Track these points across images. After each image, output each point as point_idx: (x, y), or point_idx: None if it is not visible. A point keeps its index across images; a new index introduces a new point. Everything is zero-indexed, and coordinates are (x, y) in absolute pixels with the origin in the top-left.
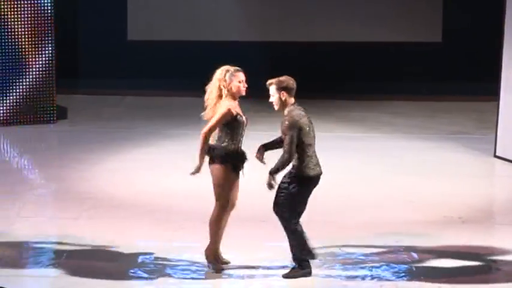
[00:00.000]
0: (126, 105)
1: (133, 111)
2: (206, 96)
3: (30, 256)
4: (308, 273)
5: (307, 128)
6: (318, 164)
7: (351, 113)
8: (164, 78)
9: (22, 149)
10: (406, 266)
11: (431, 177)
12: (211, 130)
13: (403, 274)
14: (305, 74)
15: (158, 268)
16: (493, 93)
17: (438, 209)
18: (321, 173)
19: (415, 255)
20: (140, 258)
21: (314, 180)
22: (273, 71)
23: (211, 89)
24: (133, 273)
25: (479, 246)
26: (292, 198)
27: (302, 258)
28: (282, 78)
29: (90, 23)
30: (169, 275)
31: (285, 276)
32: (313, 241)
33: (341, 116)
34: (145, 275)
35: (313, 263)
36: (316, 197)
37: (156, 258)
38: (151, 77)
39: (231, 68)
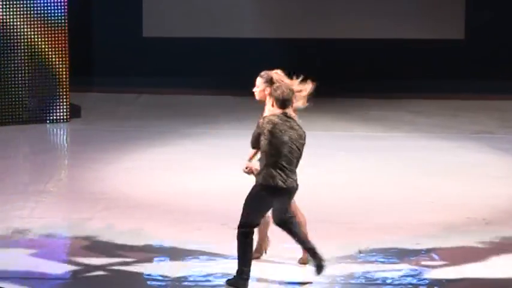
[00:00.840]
0: (141, 103)
1: (149, 109)
2: None
3: (42, 257)
4: None
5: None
6: (277, 176)
7: (370, 112)
8: (180, 75)
9: (35, 148)
10: (427, 269)
11: (453, 178)
12: None
13: (424, 278)
14: (324, 72)
15: (173, 270)
16: None
17: (461, 210)
18: (278, 186)
19: (436, 258)
20: (155, 260)
21: (268, 191)
22: (290, 68)
23: None
24: (148, 275)
25: (504, 248)
26: (245, 202)
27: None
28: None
29: (105, 19)
30: (185, 278)
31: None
32: (332, 243)
33: (360, 115)
34: (160, 278)
35: (331, 265)
36: (335, 198)
37: (172, 260)
38: (167, 75)
39: None
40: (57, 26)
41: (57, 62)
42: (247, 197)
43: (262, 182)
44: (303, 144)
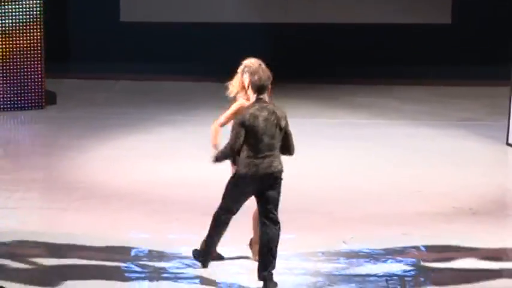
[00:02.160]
0: (119, 90)
1: (127, 96)
2: None
3: (16, 249)
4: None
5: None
6: (255, 164)
7: (357, 98)
8: (159, 61)
9: (9, 136)
10: (413, 259)
11: (440, 166)
12: None
13: (410, 268)
14: (308, 58)
15: (152, 261)
16: (505, 77)
17: (447, 199)
18: (258, 174)
19: (423, 248)
20: (133, 252)
21: (246, 180)
22: (274, 54)
23: None
24: (126, 267)
25: (491, 238)
26: (226, 188)
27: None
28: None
29: (81, 3)
30: (163, 269)
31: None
32: (317, 234)
33: (346, 102)
34: (138, 269)
35: (315, 256)
36: (318, 187)
37: (150, 251)
38: (146, 61)
39: None
40: (32, 10)
41: (31, 47)
42: (228, 185)
43: (246, 171)
44: (286, 124)
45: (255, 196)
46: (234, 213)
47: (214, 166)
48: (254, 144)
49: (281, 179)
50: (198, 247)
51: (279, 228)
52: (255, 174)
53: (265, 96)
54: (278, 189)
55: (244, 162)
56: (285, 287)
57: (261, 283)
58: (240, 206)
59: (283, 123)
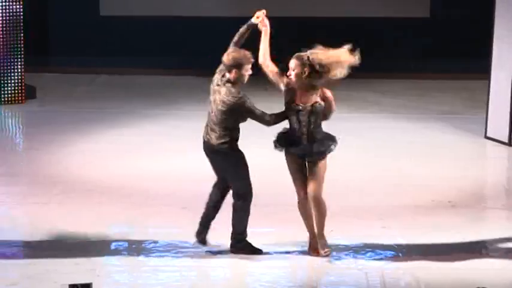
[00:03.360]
0: (99, 84)
1: (107, 90)
2: None
3: None
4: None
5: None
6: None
7: (335, 92)
8: (139, 55)
9: None
10: (392, 252)
11: (419, 160)
12: None
13: (389, 261)
14: (288, 51)
15: (132, 255)
16: (484, 71)
17: (426, 192)
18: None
19: (402, 241)
20: (113, 245)
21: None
22: (256, 48)
23: None
24: (106, 260)
25: (470, 230)
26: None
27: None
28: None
29: None
30: (143, 262)
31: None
32: (296, 227)
33: None
34: (118, 263)
35: (295, 249)
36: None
37: (130, 245)
38: (126, 55)
39: None
40: (11, 3)
41: (11, 41)
42: None
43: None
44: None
45: None
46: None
47: (193, 160)
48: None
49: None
50: (178, 240)
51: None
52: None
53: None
54: (220, 163)
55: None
56: (265, 280)
57: (239, 275)
58: (217, 176)
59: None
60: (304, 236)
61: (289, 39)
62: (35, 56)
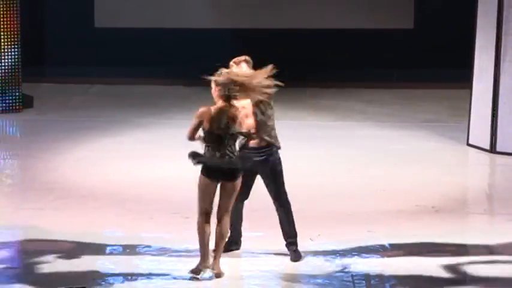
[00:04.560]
0: (94, 93)
1: (101, 99)
2: None
3: None
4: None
5: None
6: None
7: (323, 101)
8: (132, 66)
9: None
10: (377, 256)
11: (403, 166)
12: None
13: (375, 264)
14: (275, 62)
15: (126, 259)
16: (466, 80)
17: (411, 198)
18: None
19: (387, 245)
20: (108, 249)
21: None
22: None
23: None
24: (100, 264)
25: (453, 234)
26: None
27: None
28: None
29: (56, 9)
30: (137, 266)
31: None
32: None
33: (312, 104)
34: (112, 266)
35: (282, 253)
36: (287, 187)
37: (124, 249)
38: (120, 65)
39: None
40: (9, 16)
41: (9, 52)
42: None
43: None
44: None
45: None
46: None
47: (184, 167)
48: None
49: None
50: (170, 244)
51: None
52: None
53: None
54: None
55: None
56: (254, 283)
57: (230, 278)
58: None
59: None
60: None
61: (278, 50)
62: (32, 66)
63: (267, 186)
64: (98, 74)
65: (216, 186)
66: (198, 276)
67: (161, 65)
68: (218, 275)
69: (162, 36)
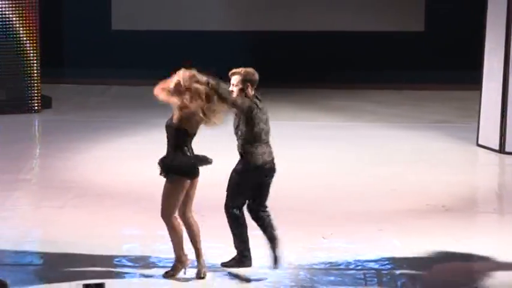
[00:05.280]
0: (111, 94)
1: (119, 100)
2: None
3: (15, 245)
4: (248, 265)
5: (264, 117)
6: (267, 153)
7: (333, 102)
8: (149, 68)
9: (7, 138)
10: (388, 254)
11: (413, 166)
12: None
13: (386, 262)
14: (288, 64)
15: (143, 256)
16: (476, 81)
17: (421, 197)
18: (268, 163)
19: (398, 243)
20: (125, 247)
21: (260, 170)
22: (256, 60)
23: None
24: (118, 261)
25: (462, 234)
26: (237, 185)
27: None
28: (249, 69)
29: (75, 12)
30: (153, 263)
31: (223, 264)
32: (297, 230)
33: (323, 105)
34: (130, 264)
35: (296, 251)
36: (299, 187)
37: (141, 247)
38: (136, 67)
39: None
40: (29, 19)
41: (28, 54)
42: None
43: (258, 162)
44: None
45: None
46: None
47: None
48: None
49: None
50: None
51: None
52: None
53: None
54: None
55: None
56: (269, 280)
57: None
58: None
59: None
60: (304, 239)
61: (290, 51)
62: (51, 68)
63: (265, 195)
64: (115, 75)
65: None
66: (180, 276)
67: (177, 67)
68: (205, 273)
69: (178, 38)
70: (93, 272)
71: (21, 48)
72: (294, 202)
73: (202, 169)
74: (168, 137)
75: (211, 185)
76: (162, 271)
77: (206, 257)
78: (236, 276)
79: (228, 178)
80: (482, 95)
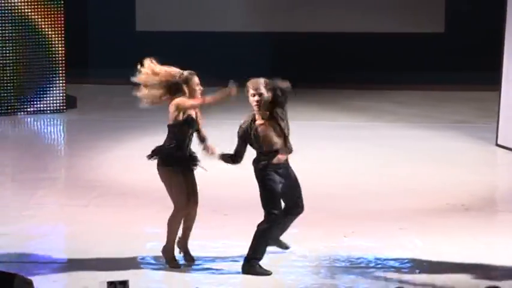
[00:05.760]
0: (134, 94)
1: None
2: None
3: (40, 242)
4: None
5: None
6: None
7: (355, 102)
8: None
9: (33, 137)
10: (409, 252)
11: (434, 166)
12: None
13: (406, 261)
14: (310, 64)
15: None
16: (495, 82)
17: (441, 196)
18: None
19: (418, 242)
20: (148, 245)
21: None
22: (278, 61)
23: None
24: (141, 259)
25: (482, 232)
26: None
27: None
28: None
29: (100, 13)
30: (176, 261)
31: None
32: (318, 229)
33: (345, 105)
34: (153, 261)
35: (318, 249)
36: (320, 186)
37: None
38: None
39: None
40: (55, 21)
41: (54, 55)
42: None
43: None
44: None
45: None
46: None
47: (221, 165)
48: None
49: None
50: (209, 240)
51: None
52: None
53: None
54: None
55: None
56: (290, 278)
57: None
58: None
59: None
60: (326, 237)
61: (310, 52)
62: (76, 68)
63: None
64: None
65: None
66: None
67: (199, 67)
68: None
69: (200, 39)
70: (117, 270)
71: (47, 49)
72: (315, 201)
73: (224, 168)
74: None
75: (234, 184)
76: (184, 268)
77: (231, 254)
78: (253, 276)
79: (296, 182)
80: (501, 96)
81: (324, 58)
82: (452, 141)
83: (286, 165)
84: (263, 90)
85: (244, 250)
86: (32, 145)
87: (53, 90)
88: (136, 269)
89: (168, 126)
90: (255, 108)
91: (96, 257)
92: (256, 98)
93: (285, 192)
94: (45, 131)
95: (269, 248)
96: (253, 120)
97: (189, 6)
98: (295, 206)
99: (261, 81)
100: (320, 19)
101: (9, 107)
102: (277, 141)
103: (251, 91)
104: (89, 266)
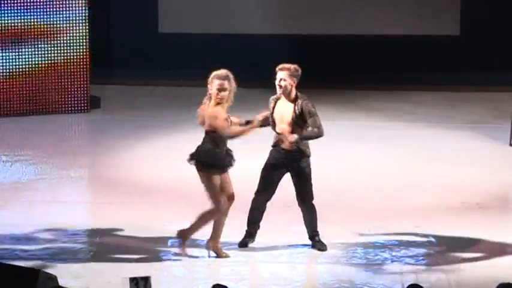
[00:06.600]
0: (157, 95)
1: (164, 100)
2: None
3: (64, 239)
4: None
5: None
6: None
7: (373, 103)
8: (194, 69)
9: (58, 137)
10: (424, 250)
11: (449, 165)
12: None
13: (422, 258)
14: (330, 65)
15: (187, 250)
16: (509, 83)
17: (456, 195)
18: None
19: (433, 239)
20: (170, 242)
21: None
22: (298, 62)
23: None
24: (163, 255)
25: (496, 230)
26: (310, 179)
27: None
28: (296, 65)
29: (123, 15)
30: (197, 257)
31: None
32: (336, 227)
33: (363, 106)
34: (174, 258)
35: (335, 246)
36: (338, 185)
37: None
38: (181, 68)
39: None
40: (79, 21)
41: (78, 56)
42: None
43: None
44: None
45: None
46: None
47: (241, 164)
48: None
49: None
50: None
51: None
52: None
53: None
54: None
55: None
56: (308, 274)
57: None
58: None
59: None
60: (343, 235)
61: (330, 54)
62: (99, 69)
63: (295, 184)
64: (161, 76)
65: None
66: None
67: (220, 67)
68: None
69: (222, 41)
70: (140, 266)
71: (72, 51)
72: (333, 199)
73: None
74: None
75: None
76: (206, 264)
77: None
78: (279, 269)
79: (302, 174)
80: None
81: (342, 59)
82: (468, 141)
83: (295, 155)
84: (287, 78)
85: (268, 249)
86: (58, 144)
87: (77, 91)
88: (158, 264)
89: (206, 131)
90: (279, 91)
91: (119, 253)
92: (281, 83)
93: (294, 183)
94: (70, 130)
95: (288, 244)
96: (279, 98)
97: (211, 9)
98: (297, 198)
99: (287, 67)
100: (339, 22)
101: (35, 107)
102: (282, 125)
103: (277, 77)
104: (111, 263)
